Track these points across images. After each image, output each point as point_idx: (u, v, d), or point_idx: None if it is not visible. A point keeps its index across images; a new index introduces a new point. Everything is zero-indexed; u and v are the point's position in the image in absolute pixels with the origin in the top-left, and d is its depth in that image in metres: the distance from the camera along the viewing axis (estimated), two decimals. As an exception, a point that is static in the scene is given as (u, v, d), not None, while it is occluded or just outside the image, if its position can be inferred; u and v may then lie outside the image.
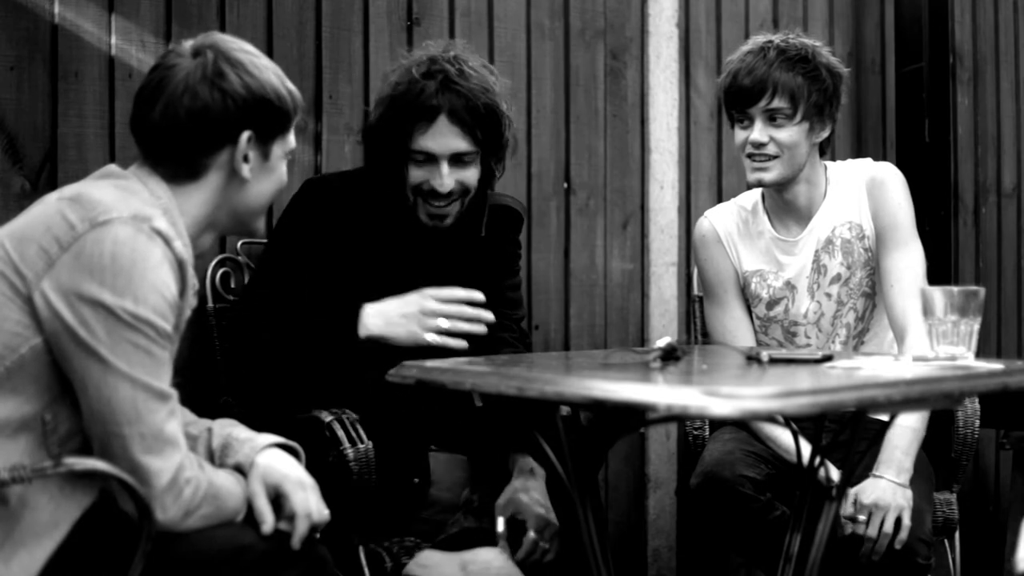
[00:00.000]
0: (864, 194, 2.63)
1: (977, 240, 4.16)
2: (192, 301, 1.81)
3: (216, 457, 1.84)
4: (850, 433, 2.21)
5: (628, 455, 3.46)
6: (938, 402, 1.91)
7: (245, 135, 1.80)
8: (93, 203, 1.69)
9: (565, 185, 3.32)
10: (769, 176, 2.56)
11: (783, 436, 2.49)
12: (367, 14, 2.93)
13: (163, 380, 1.68)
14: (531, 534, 2.27)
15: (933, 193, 3.83)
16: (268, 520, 1.76)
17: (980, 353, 2.01)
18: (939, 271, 3.54)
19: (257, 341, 2.30)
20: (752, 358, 2.03)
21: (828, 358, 1.99)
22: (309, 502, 1.79)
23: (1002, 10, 4.25)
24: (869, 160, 2.71)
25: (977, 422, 2.69)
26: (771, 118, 2.54)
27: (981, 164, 4.17)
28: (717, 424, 2.70)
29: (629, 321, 3.45)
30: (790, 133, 2.54)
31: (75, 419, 1.70)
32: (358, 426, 2.28)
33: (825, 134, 2.61)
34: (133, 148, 2.49)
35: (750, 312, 2.72)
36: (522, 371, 1.90)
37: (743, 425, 2.59)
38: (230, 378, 2.56)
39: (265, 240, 2.73)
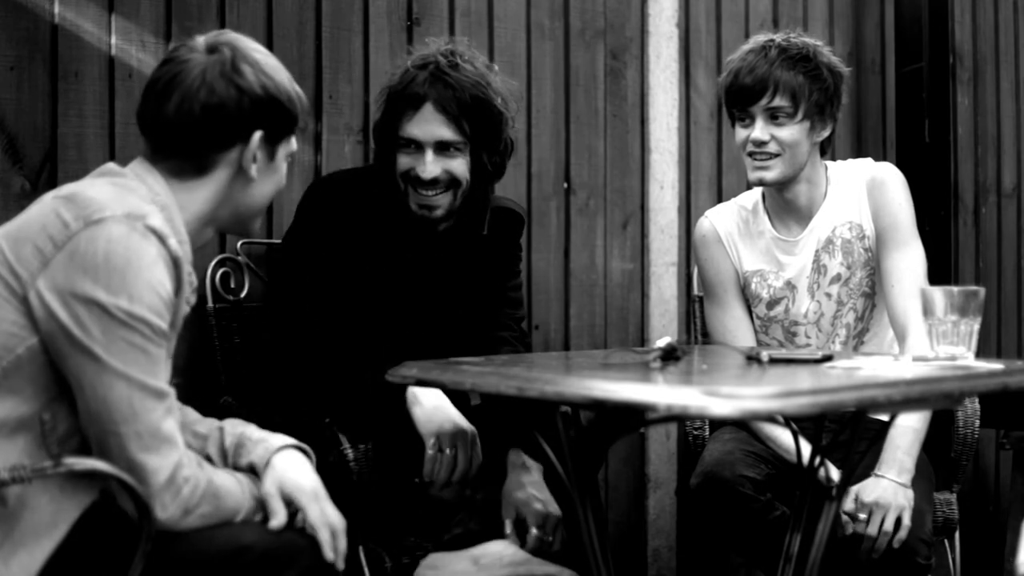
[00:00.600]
0: (864, 194, 2.63)
1: (977, 240, 4.16)
2: (191, 299, 1.81)
3: (229, 456, 1.84)
4: (850, 433, 2.21)
5: (628, 455, 3.46)
6: (938, 402, 1.91)
7: (258, 134, 1.80)
8: (87, 201, 1.68)
9: (565, 185, 3.32)
10: (770, 175, 2.56)
11: (783, 436, 2.49)
12: (367, 14, 2.93)
13: (159, 378, 1.68)
14: (534, 531, 2.27)
15: (933, 193, 3.83)
16: (280, 515, 1.77)
17: (980, 353, 2.01)
18: (939, 271, 3.54)
19: (289, 361, 2.34)
20: (752, 358, 2.03)
21: (828, 358, 1.99)
22: (327, 514, 1.79)
23: (1002, 10, 4.25)
24: (870, 160, 2.71)
25: (977, 422, 2.69)
26: (772, 117, 2.54)
27: (981, 164, 4.17)
28: (717, 424, 2.70)
29: (629, 321, 3.45)
30: (791, 132, 2.54)
31: (74, 418, 1.69)
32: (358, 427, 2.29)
33: (826, 133, 2.61)
34: (133, 148, 2.50)
35: (750, 312, 2.72)
36: (522, 371, 1.90)
37: (743, 425, 2.59)
38: (229, 377, 2.56)
39: (265, 240, 2.74)
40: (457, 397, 2.40)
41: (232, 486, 1.75)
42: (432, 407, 2.29)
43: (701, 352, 2.38)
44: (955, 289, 1.97)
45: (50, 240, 1.65)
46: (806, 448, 2.28)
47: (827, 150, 2.67)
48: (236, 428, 1.87)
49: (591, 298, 3.38)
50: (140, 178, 1.79)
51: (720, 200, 3.50)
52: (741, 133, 2.58)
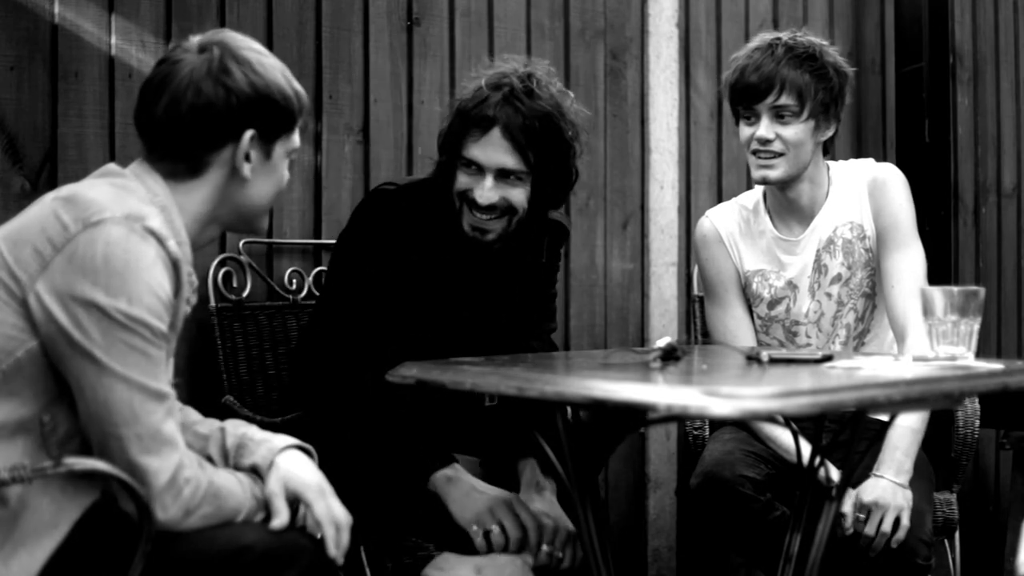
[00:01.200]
0: (866, 194, 2.63)
1: (977, 240, 4.16)
2: (192, 299, 1.81)
3: (230, 457, 1.84)
4: (850, 433, 2.21)
5: (628, 455, 3.46)
6: (938, 402, 1.91)
7: (248, 134, 1.79)
8: (86, 203, 1.68)
9: (565, 185, 3.31)
10: (774, 173, 2.56)
11: (783, 436, 2.49)
12: (367, 14, 2.93)
13: (159, 380, 1.68)
14: (544, 547, 2.26)
15: (933, 193, 3.83)
16: (283, 514, 1.77)
17: (980, 353, 2.01)
18: (939, 271, 3.54)
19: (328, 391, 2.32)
20: (752, 358, 2.03)
21: (828, 358, 1.99)
22: (333, 510, 1.80)
23: (1002, 10, 4.25)
24: (871, 160, 2.71)
25: (977, 422, 2.69)
26: (778, 115, 2.54)
27: (981, 164, 4.17)
28: (717, 424, 2.70)
29: (629, 321, 3.45)
30: (796, 131, 2.54)
31: (74, 420, 1.69)
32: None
33: (829, 133, 2.61)
34: (133, 148, 2.50)
35: (751, 312, 2.72)
36: (522, 371, 1.90)
37: (743, 425, 2.59)
38: (231, 377, 2.56)
39: (267, 239, 2.74)
40: (470, 397, 2.39)
41: (233, 486, 1.75)
42: (462, 495, 2.24)
43: (701, 352, 2.38)
44: (955, 289, 1.97)
45: (49, 242, 1.65)
46: (806, 448, 2.28)
47: (829, 150, 2.67)
48: (238, 429, 1.87)
49: (591, 298, 3.38)
50: (140, 179, 1.78)
51: (720, 200, 3.50)
52: (746, 131, 2.58)
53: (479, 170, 2.31)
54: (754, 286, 2.70)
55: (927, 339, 2.01)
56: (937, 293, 1.98)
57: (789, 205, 2.66)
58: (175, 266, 1.71)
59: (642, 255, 3.48)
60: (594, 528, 2.02)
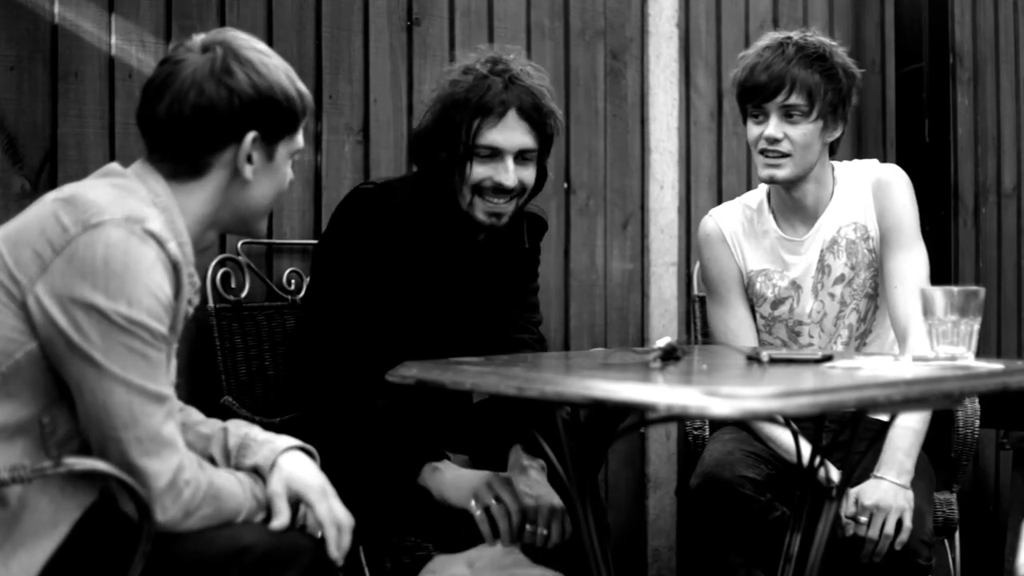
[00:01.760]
0: (870, 195, 2.63)
1: (977, 240, 4.16)
2: (195, 300, 1.80)
3: (232, 457, 1.84)
4: (850, 433, 2.21)
5: (628, 455, 3.46)
6: (938, 402, 1.91)
7: (250, 136, 1.78)
8: (86, 204, 1.67)
9: (565, 185, 3.32)
10: (781, 173, 2.56)
11: (783, 436, 2.49)
12: (367, 14, 2.93)
13: (159, 382, 1.67)
14: (541, 528, 2.26)
15: (933, 193, 3.83)
16: (284, 514, 1.77)
17: (980, 353, 2.00)
18: (939, 271, 3.54)
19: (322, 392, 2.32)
20: (752, 358, 2.03)
21: (828, 358, 1.99)
22: (335, 511, 1.80)
23: (1002, 10, 4.25)
24: (875, 161, 2.70)
25: (977, 422, 2.69)
26: (787, 115, 2.53)
27: (981, 164, 4.17)
28: (717, 424, 2.70)
29: (629, 321, 3.45)
30: (804, 131, 2.54)
31: (73, 422, 1.69)
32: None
33: (837, 134, 2.61)
34: (133, 148, 2.51)
35: (753, 312, 2.72)
36: (522, 371, 1.90)
37: (743, 425, 2.59)
38: (230, 377, 2.56)
39: (266, 240, 2.74)
40: (462, 396, 2.39)
41: (233, 487, 1.75)
42: (454, 477, 2.24)
43: (701, 352, 2.38)
44: (955, 289, 1.97)
45: (49, 245, 1.64)
46: (806, 448, 2.28)
47: (836, 151, 2.67)
48: (240, 429, 1.87)
49: (591, 298, 3.38)
50: (141, 179, 1.78)
51: (720, 200, 3.50)
52: (754, 130, 2.57)
53: (496, 155, 2.32)
54: (757, 286, 2.69)
55: (928, 340, 2.01)
56: (937, 293, 1.97)
57: (794, 205, 2.65)
58: (175, 268, 1.70)
59: (642, 255, 3.48)
60: (594, 528, 2.02)
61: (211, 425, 1.90)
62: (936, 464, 2.67)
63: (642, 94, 3.47)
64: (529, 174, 2.36)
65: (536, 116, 2.32)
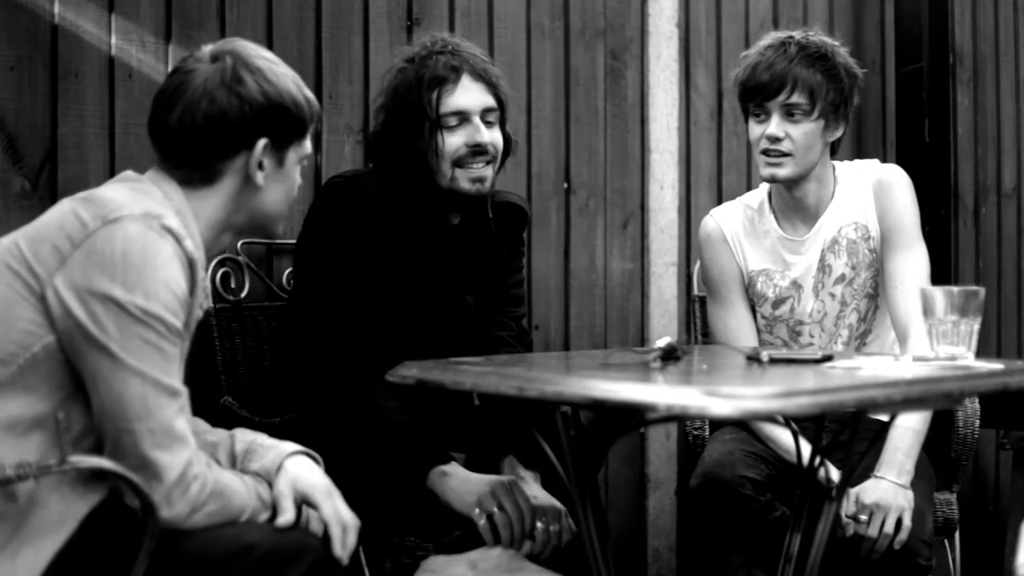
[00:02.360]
0: (871, 195, 2.63)
1: (977, 240, 4.16)
2: (205, 303, 1.83)
3: (238, 461, 1.86)
4: (850, 433, 2.21)
5: (628, 455, 3.46)
6: (938, 402, 1.91)
7: (261, 143, 1.82)
8: (104, 202, 1.71)
9: (565, 185, 3.32)
10: (783, 172, 2.56)
11: (783, 436, 2.49)
12: (367, 14, 2.93)
13: (173, 376, 1.70)
14: (539, 524, 2.26)
15: (933, 193, 3.83)
16: (289, 513, 1.78)
17: (980, 353, 2.01)
18: (939, 271, 3.53)
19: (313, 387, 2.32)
20: (752, 358, 2.03)
21: (828, 358, 1.99)
22: (340, 511, 1.82)
23: (1002, 10, 4.25)
24: (876, 161, 2.71)
25: (977, 422, 2.69)
26: (788, 114, 2.54)
27: (981, 164, 4.17)
28: (717, 424, 2.70)
29: (629, 321, 3.45)
30: (806, 130, 2.54)
31: (88, 419, 1.71)
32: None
33: (838, 134, 2.61)
34: (133, 148, 2.51)
35: (753, 312, 2.72)
36: (522, 371, 1.90)
37: (743, 425, 2.59)
38: (229, 377, 2.56)
39: (266, 240, 2.74)
40: (460, 396, 2.39)
41: (238, 486, 1.77)
42: (459, 483, 2.24)
43: (701, 352, 2.38)
44: (955, 289, 1.97)
45: (68, 239, 1.68)
46: (806, 448, 2.28)
47: (837, 151, 2.67)
48: (247, 436, 1.90)
49: (591, 298, 3.38)
50: (156, 184, 1.81)
51: (720, 200, 3.50)
52: (756, 129, 2.57)
53: (463, 120, 2.35)
54: (758, 286, 2.69)
55: (928, 340, 2.01)
56: (937, 293, 1.98)
57: (795, 205, 2.65)
58: (191, 265, 1.73)
59: (642, 255, 3.48)
60: (594, 528, 2.02)
61: (217, 433, 1.92)
62: (936, 464, 2.67)
63: (642, 94, 3.47)
64: (498, 136, 2.40)
65: (488, 77, 2.37)
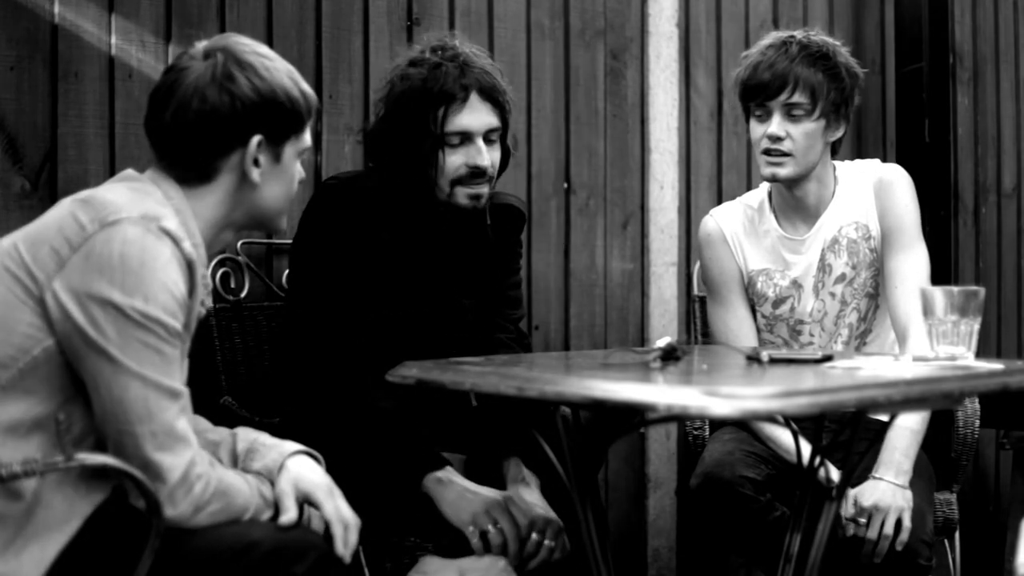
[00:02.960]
0: (871, 195, 2.63)
1: (977, 240, 4.16)
2: (207, 302, 1.83)
3: (240, 460, 1.86)
4: (850, 433, 2.21)
5: (628, 455, 3.46)
6: (938, 402, 1.91)
7: (255, 139, 1.81)
8: (103, 204, 1.70)
9: (565, 185, 3.32)
10: (784, 171, 2.56)
11: (783, 436, 2.49)
12: (367, 14, 2.93)
13: (174, 378, 1.70)
14: (533, 535, 2.26)
15: (933, 193, 3.82)
16: (292, 511, 1.79)
17: (980, 353, 2.01)
18: (939, 271, 3.54)
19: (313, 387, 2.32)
20: (752, 358, 2.03)
21: (828, 358, 1.99)
22: (342, 510, 1.83)
23: (1002, 10, 4.25)
24: (877, 161, 2.71)
25: (977, 422, 2.69)
26: (790, 113, 2.54)
27: (981, 164, 4.17)
28: (717, 424, 2.70)
29: (629, 321, 3.45)
30: (807, 129, 2.54)
31: (89, 419, 1.71)
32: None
33: (839, 134, 2.61)
34: (133, 148, 2.51)
35: (753, 312, 2.72)
36: (522, 371, 1.90)
37: (743, 425, 2.59)
38: (229, 377, 2.56)
39: (265, 240, 2.74)
40: (458, 397, 2.39)
41: (241, 485, 1.77)
42: (456, 497, 2.24)
43: (701, 352, 2.38)
44: (955, 289, 1.97)
45: (66, 242, 1.68)
46: (806, 448, 2.28)
47: (838, 151, 2.67)
48: (248, 435, 1.90)
49: (591, 298, 3.38)
50: (156, 183, 1.81)
51: (720, 200, 3.50)
52: (757, 129, 2.58)
53: (465, 140, 2.33)
54: (758, 285, 2.69)
55: (928, 340, 2.01)
56: (937, 293, 1.98)
57: (796, 204, 2.66)
58: (190, 266, 1.73)
59: (642, 255, 3.48)
60: (594, 528, 2.02)
61: (219, 432, 1.93)
62: (936, 464, 2.67)
63: (642, 94, 3.47)
64: (498, 155, 2.38)
65: (496, 95, 2.34)
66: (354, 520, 1.83)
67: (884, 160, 3.20)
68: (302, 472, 1.83)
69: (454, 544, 2.28)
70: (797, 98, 2.53)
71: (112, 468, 1.64)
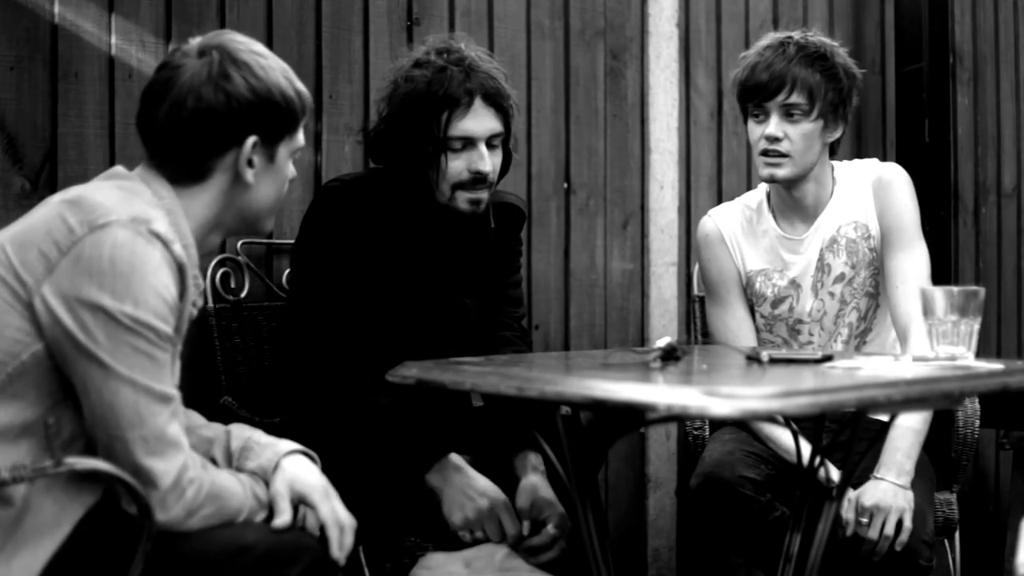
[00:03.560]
0: (870, 194, 2.63)
1: (977, 240, 4.16)
2: (199, 302, 1.81)
3: (234, 459, 1.85)
4: (850, 433, 2.21)
5: (628, 455, 3.46)
6: (938, 402, 1.91)
7: (250, 140, 1.79)
8: (92, 206, 1.68)
9: (565, 185, 3.32)
10: (781, 172, 2.56)
11: (783, 436, 2.49)
12: (367, 14, 2.93)
13: (164, 383, 1.68)
14: (551, 528, 2.26)
15: (933, 193, 3.83)
16: (286, 514, 1.78)
17: (980, 353, 2.01)
18: (939, 271, 3.54)
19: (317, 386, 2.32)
20: (752, 358, 2.03)
21: (828, 358, 1.99)
22: (337, 512, 1.81)
23: (1002, 10, 4.25)
24: (875, 160, 2.71)
25: (977, 422, 2.69)
26: (787, 114, 2.54)
27: (981, 164, 4.16)
28: (717, 424, 2.70)
29: (629, 321, 3.45)
30: (805, 130, 2.54)
31: (78, 422, 1.69)
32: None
33: (837, 134, 2.61)
34: (133, 148, 2.50)
35: (752, 312, 2.72)
36: (522, 371, 1.90)
37: (743, 425, 2.59)
38: (229, 377, 2.56)
39: (266, 240, 2.74)
40: (458, 398, 2.39)
41: (235, 487, 1.75)
42: (455, 493, 2.25)
43: (701, 352, 2.38)
44: (955, 289, 1.97)
45: (55, 245, 1.65)
46: (806, 448, 2.28)
47: (836, 151, 2.67)
48: (243, 432, 1.88)
49: (591, 298, 3.38)
50: (146, 182, 1.78)
51: (720, 200, 3.50)
52: (755, 130, 2.58)
53: (468, 145, 2.33)
54: (757, 285, 2.69)
55: (928, 339, 2.01)
56: (937, 293, 1.98)
57: (794, 204, 2.66)
58: (180, 269, 1.70)
59: (642, 255, 3.48)
60: (594, 528, 2.02)
61: (214, 428, 1.91)
62: (936, 464, 2.67)
63: (642, 94, 3.47)
64: (499, 159, 2.38)
65: (500, 100, 2.34)
66: (350, 522, 1.82)
67: (884, 160, 3.20)
68: (298, 473, 1.81)
69: (455, 538, 2.28)
70: (795, 99, 2.53)
71: (102, 472, 1.62)
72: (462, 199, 2.36)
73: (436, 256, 2.43)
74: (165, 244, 1.68)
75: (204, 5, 2.66)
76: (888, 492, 2.41)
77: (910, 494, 2.43)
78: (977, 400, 2.68)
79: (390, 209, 2.39)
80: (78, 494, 1.69)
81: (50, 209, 1.70)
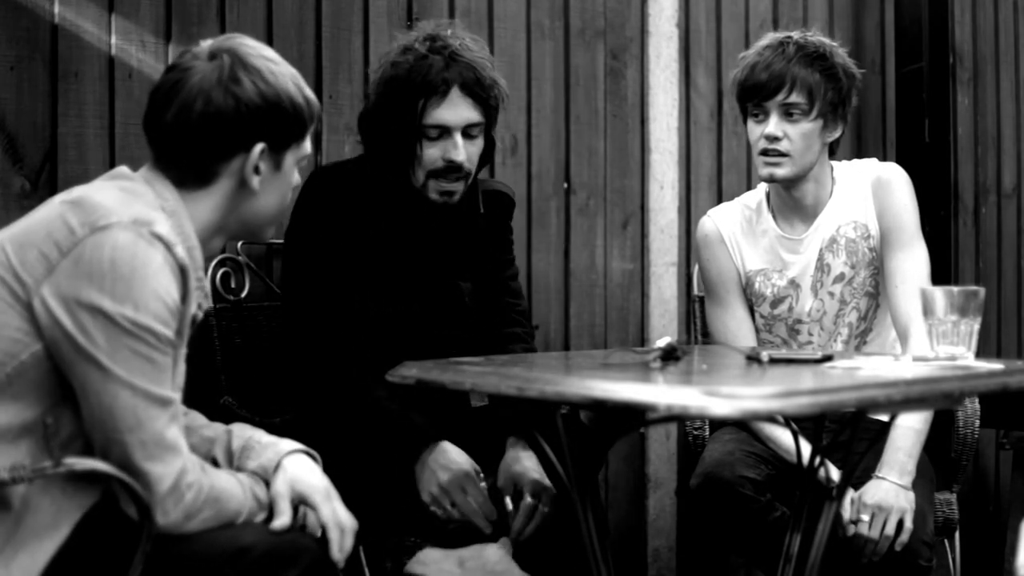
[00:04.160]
0: (870, 194, 2.63)
1: (977, 240, 4.16)
2: (204, 304, 1.80)
3: (235, 458, 1.84)
4: (850, 433, 2.21)
5: (628, 455, 3.46)
6: (938, 402, 1.91)
7: (258, 147, 1.78)
8: (94, 207, 1.67)
9: (565, 185, 3.32)
10: (781, 172, 2.56)
11: (783, 436, 2.49)
12: (367, 14, 2.93)
13: (164, 386, 1.67)
14: (528, 499, 2.27)
15: (933, 193, 3.82)
16: (286, 515, 1.77)
17: (980, 353, 2.01)
18: (939, 271, 3.54)
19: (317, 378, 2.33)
20: (752, 358, 2.03)
21: (828, 358, 1.99)
22: (338, 513, 1.81)
23: (1002, 10, 4.25)
24: (875, 160, 2.71)
25: (977, 422, 2.69)
26: (787, 113, 2.54)
27: (981, 164, 4.17)
28: (717, 424, 2.70)
29: (629, 321, 3.45)
30: (804, 130, 2.54)
31: (77, 423, 1.69)
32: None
33: (837, 134, 2.61)
34: (133, 148, 2.51)
35: (752, 312, 2.72)
36: (522, 371, 1.90)
37: (743, 425, 2.59)
38: (229, 377, 2.56)
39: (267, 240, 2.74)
40: (457, 398, 2.39)
41: (234, 488, 1.75)
42: (426, 474, 2.27)
43: (701, 352, 2.38)
44: (955, 289, 1.97)
45: (56, 246, 1.64)
46: (806, 448, 2.28)
47: (835, 151, 2.67)
48: (244, 432, 1.87)
49: (591, 298, 3.38)
50: (149, 183, 1.77)
51: (720, 200, 3.50)
52: (755, 130, 2.58)
53: (444, 133, 2.34)
54: (757, 285, 2.69)
55: (928, 339, 2.01)
56: (937, 293, 1.98)
57: (794, 204, 2.66)
58: (183, 272, 1.69)
59: (642, 255, 3.48)
60: (594, 528, 2.02)
61: (215, 428, 1.90)
62: (936, 464, 2.67)
63: (642, 94, 3.47)
64: (476, 149, 2.38)
65: (479, 90, 2.34)
66: (350, 524, 1.81)
67: (884, 160, 3.20)
68: (299, 473, 1.81)
69: (454, 535, 2.28)
70: (794, 98, 2.53)
71: (101, 473, 1.62)
72: (433, 189, 2.38)
73: (424, 240, 2.44)
74: (167, 246, 1.67)
75: (204, 5, 2.66)
76: (890, 492, 2.41)
77: (911, 494, 2.43)
78: (977, 400, 2.68)
79: (376, 193, 2.40)
80: (76, 495, 1.69)
81: (51, 209, 1.70)
